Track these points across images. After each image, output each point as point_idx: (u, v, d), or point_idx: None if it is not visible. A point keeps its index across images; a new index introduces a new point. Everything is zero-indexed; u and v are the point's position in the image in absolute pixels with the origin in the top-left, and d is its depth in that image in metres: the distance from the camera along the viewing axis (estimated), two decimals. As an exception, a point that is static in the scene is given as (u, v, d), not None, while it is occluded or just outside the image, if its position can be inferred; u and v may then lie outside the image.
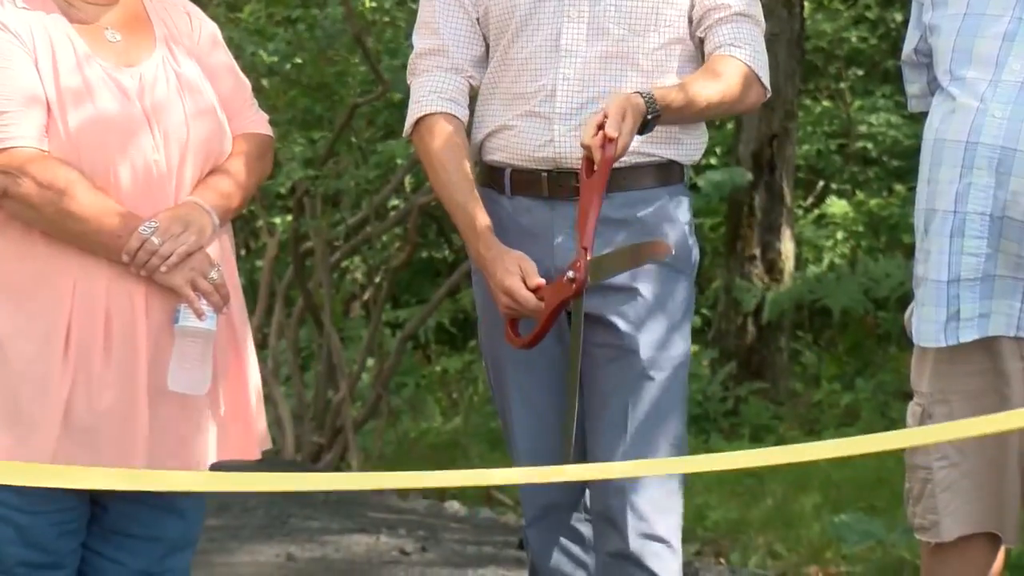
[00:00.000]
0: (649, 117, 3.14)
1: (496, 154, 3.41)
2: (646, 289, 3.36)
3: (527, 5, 3.35)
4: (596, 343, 3.34)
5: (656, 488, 3.36)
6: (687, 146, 3.42)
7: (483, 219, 3.30)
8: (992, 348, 3.41)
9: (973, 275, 3.39)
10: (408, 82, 3.51)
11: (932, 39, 3.53)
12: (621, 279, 3.32)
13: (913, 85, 3.71)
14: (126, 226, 3.09)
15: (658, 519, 3.35)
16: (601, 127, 3.08)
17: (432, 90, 3.40)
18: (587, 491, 3.46)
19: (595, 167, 3.12)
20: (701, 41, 3.40)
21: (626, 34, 3.33)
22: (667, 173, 3.40)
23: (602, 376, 3.38)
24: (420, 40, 3.48)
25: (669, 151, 3.38)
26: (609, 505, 3.36)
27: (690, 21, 3.38)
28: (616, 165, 3.20)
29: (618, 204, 3.32)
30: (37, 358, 3.08)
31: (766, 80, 3.38)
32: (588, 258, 3.08)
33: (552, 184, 3.34)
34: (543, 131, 3.34)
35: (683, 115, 3.26)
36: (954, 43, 3.46)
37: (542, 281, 3.17)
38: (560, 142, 3.31)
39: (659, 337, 3.36)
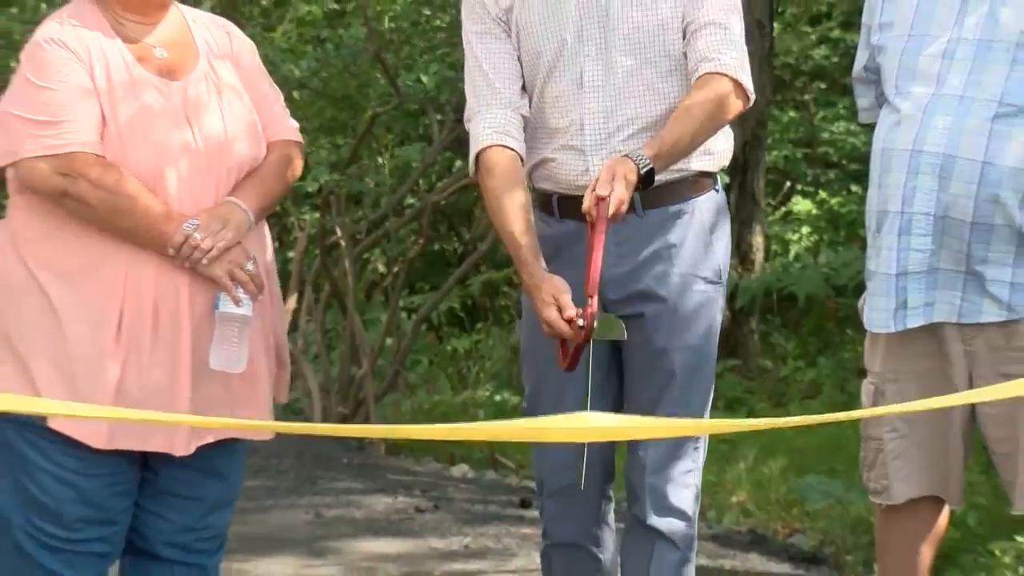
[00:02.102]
0: (643, 172, 3.08)
1: (543, 183, 3.38)
2: (678, 298, 3.34)
3: (552, 52, 3.31)
4: (633, 342, 3.32)
5: (672, 467, 3.38)
6: (716, 156, 3.39)
7: (528, 250, 3.23)
8: (937, 333, 3.42)
9: (919, 269, 3.39)
10: (466, 127, 3.42)
11: (880, 58, 3.53)
12: (655, 288, 3.32)
13: (863, 99, 3.71)
14: (172, 223, 3.09)
15: (673, 493, 3.37)
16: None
17: (487, 126, 3.33)
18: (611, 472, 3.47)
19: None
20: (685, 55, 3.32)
21: (638, 64, 3.29)
22: (698, 185, 3.36)
23: (635, 373, 3.38)
24: (470, 85, 3.41)
25: (697, 163, 3.33)
26: (632, 480, 3.40)
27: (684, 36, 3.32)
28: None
29: (656, 219, 3.31)
30: (92, 340, 3.09)
31: (748, 83, 3.30)
32: (594, 307, 3.02)
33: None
34: (579, 162, 3.30)
35: (679, 153, 3.20)
36: (899, 61, 3.46)
37: (573, 313, 3.08)
38: (595, 171, 3.22)
39: (686, 343, 3.35)
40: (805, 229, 9.36)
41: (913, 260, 3.39)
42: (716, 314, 3.42)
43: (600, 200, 3.04)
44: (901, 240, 3.40)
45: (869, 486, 3.64)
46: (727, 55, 3.27)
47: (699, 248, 3.35)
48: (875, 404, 3.56)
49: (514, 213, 3.26)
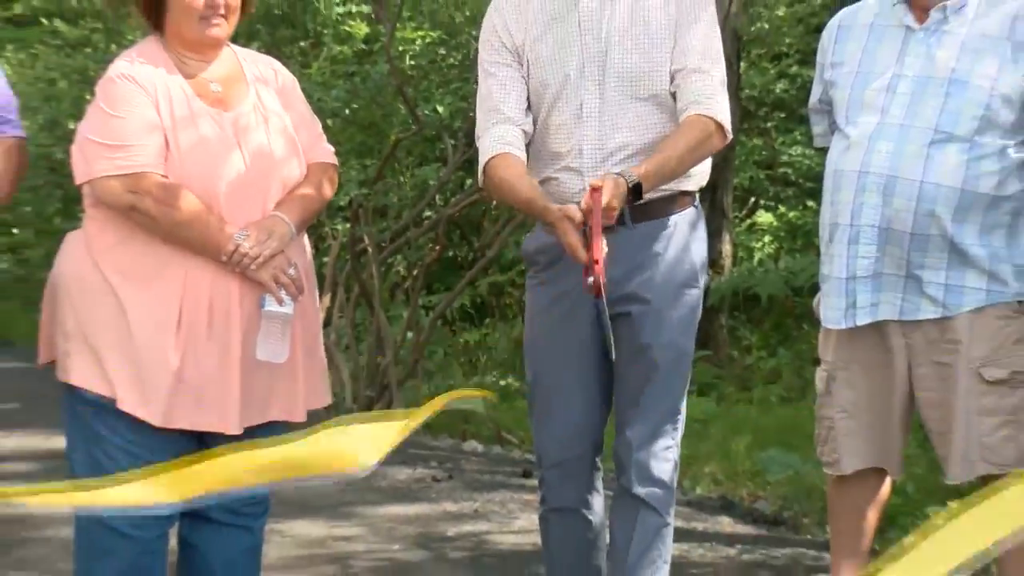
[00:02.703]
0: (631, 183, 3.06)
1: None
2: (661, 300, 3.34)
3: (556, 85, 3.30)
4: (622, 337, 3.31)
5: (655, 444, 3.37)
6: (696, 177, 3.38)
7: (541, 199, 3.19)
8: (881, 328, 3.42)
9: (866, 273, 3.39)
10: (477, 145, 3.40)
11: (832, 91, 3.52)
12: (640, 292, 3.31)
13: (818, 127, 3.70)
14: (224, 234, 3.09)
15: (655, 466, 3.37)
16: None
17: (493, 139, 3.30)
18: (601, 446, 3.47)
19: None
20: (674, 95, 3.31)
21: (629, 101, 3.28)
22: (680, 202, 3.36)
23: (623, 364, 3.37)
24: (480, 107, 3.39)
25: (680, 184, 3.33)
26: (620, 455, 3.39)
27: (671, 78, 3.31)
28: (639, 202, 3.17)
29: (643, 232, 3.31)
30: (155, 334, 3.09)
31: (727, 124, 3.30)
32: (601, 270, 2.98)
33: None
34: (577, 181, 3.27)
35: (665, 176, 3.18)
36: (849, 95, 3.45)
37: (578, 216, 3.05)
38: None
39: (668, 338, 3.34)
40: (767, 238, 9.36)
41: (861, 266, 3.39)
42: (694, 313, 3.41)
43: (595, 190, 3.02)
44: (850, 249, 3.40)
45: (822, 459, 3.64)
46: (714, 100, 3.28)
47: (679, 257, 3.35)
48: (827, 388, 3.57)
49: (521, 183, 3.23)
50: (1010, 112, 3.33)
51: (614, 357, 3.25)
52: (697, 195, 3.45)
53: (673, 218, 3.34)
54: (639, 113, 3.29)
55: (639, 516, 3.36)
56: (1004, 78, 3.33)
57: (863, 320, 3.41)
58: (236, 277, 3.12)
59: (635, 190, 3.09)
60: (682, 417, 3.45)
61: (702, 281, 3.43)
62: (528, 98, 3.36)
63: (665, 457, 3.38)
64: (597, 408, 3.40)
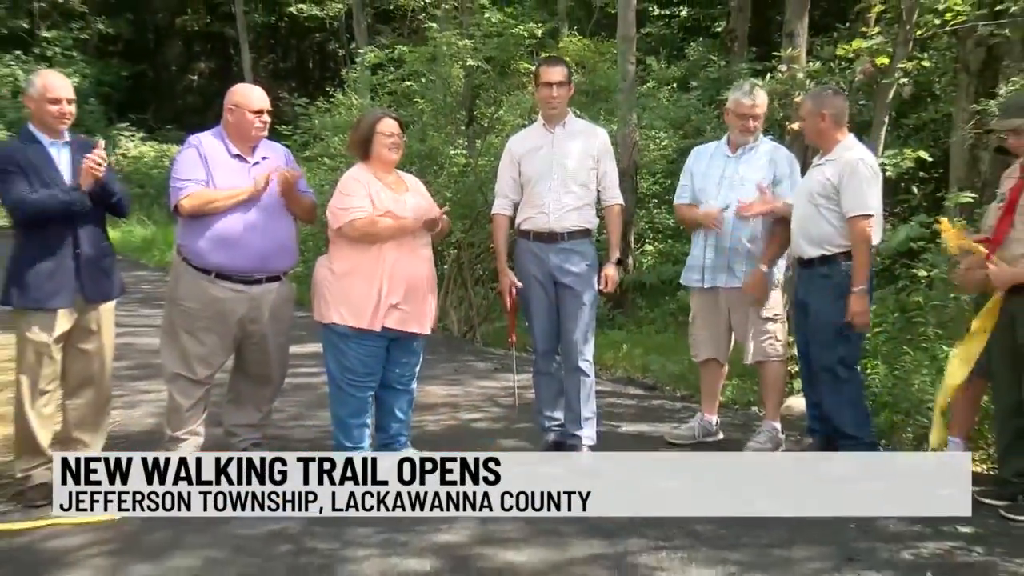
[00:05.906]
0: (615, 262, 3.26)
1: (527, 225, 3.35)
2: (585, 273, 3.29)
3: (536, 174, 3.31)
4: (566, 293, 3.29)
5: (587, 342, 3.31)
6: (593, 224, 3.35)
7: (503, 256, 3.39)
8: (716, 292, 3.50)
9: (710, 265, 3.48)
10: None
11: (693, 180, 3.58)
12: (577, 268, 3.28)
13: (683, 192, 3.67)
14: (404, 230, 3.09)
15: (587, 352, 3.30)
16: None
17: (497, 205, 3.39)
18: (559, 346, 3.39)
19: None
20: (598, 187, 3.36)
21: (572, 184, 3.30)
22: (587, 232, 3.33)
23: (566, 304, 3.31)
24: (496, 187, 3.44)
25: (587, 224, 3.32)
26: (568, 349, 3.32)
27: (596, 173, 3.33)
28: (570, 229, 3.26)
29: (570, 243, 3.30)
30: (364, 291, 3.05)
31: (622, 202, 3.37)
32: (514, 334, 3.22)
33: (548, 237, 3.28)
34: (545, 219, 3.29)
35: (619, 243, 3.32)
36: (702, 185, 3.53)
37: (514, 290, 3.29)
38: (552, 224, 3.28)
39: (587, 290, 3.30)
40: (650, 258, 9.16)
41: (707, 263, 3.47)
42: (595, 280, 3.37)
43: (513, 300, 3.27)
44: (704, 254, 3.48)
45: (691, 352, 3.71)
46: (618, 192, 3.37)
47: (586, 255, 3.34)
48: (691, 320, 3.66)
49: (501, 240, 3.37)
50: (766, 192, 3.47)
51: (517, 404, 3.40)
52: (593, 232, 3.42)
53: (586, 239, 3.32)
54: (575, 191, 3.30)
55: (580, 379, 3.30)
56: (768, 176, 3.45)
57: (708, 285, 3.50)
58: (405, 257, 3.05)
59: (619, 262, 3.29)
60: (594, 334, 3.39)
61: (597, 266, 3.39)
62: (520, 182, 3.37)
63: (591, 348, 3.34)
64: (554, 327, 3.35)
